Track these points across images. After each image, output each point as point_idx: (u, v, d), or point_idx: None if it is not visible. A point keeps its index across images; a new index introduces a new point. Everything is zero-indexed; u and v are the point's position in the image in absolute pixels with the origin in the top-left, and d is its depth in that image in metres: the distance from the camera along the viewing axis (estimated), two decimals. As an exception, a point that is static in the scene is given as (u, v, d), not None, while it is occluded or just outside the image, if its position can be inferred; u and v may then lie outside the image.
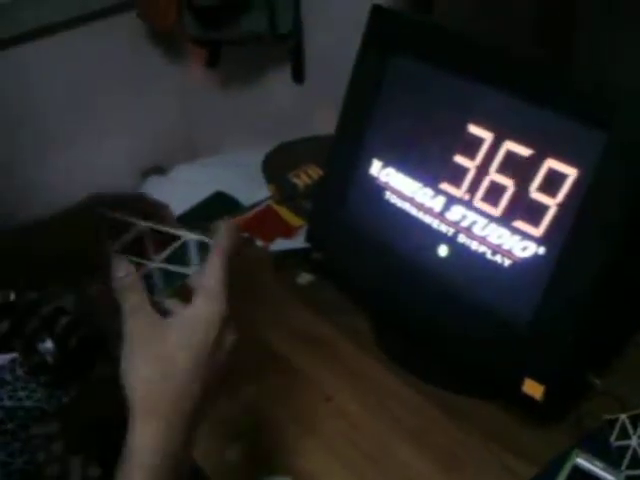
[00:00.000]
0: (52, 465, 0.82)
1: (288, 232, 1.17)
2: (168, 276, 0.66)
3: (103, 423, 0.85)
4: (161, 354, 0.57)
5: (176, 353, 0.57)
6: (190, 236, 0.66)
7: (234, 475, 0.79)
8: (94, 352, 0.95)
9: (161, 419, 0.56)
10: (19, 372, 0.87)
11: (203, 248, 0.65)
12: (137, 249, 0.67)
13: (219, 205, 1.30)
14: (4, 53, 1.11)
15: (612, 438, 0.79)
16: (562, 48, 1.07)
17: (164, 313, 0.61)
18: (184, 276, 0.65)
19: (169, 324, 0.58)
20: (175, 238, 0.67)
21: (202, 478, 0.78)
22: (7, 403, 0.85)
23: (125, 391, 0.56)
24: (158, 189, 1.31)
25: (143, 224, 0.68)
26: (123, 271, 0.60)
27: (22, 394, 0.85)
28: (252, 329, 0.99)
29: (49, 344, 0.92)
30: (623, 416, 0.80)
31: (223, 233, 0.62)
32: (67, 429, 0.84)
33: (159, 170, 1.39)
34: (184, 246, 0.66)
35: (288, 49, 1.33)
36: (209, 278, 0.60)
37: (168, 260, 0.66)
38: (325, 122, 1.35)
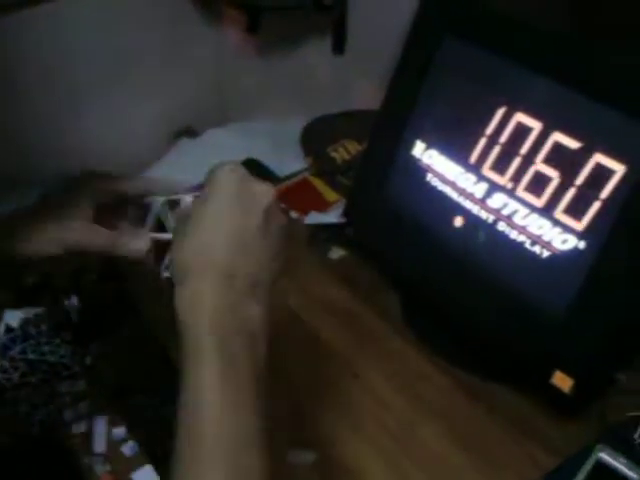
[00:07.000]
0: (78, 423, 0.83)
1: (323, 206, 1.17)
2: None
3: (126, 387, 0.86)
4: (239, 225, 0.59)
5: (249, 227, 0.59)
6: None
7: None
8: (121, 312, 0.96)
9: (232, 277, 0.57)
10: (43, 327, 0.88)
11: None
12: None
13: (250, 172, 1.29)
14: (43, 6, 1.09)
15: (636, 435, 0.80)
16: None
17: None
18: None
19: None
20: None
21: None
22: (31, 356, 0.86)
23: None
24: (188, 151, 1.31)
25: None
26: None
27: (46, 349, 0.86)
28: (284, 298, 1.00)
29: (74, 301, 0.93)
30: (648, 414, 0.80)
31: None
32: (93, 388, 0.86)
33: (191, 132, 1.39)
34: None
35: (330, 20, 1.32)
36: None
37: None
38: (363, 96, 1.35)
